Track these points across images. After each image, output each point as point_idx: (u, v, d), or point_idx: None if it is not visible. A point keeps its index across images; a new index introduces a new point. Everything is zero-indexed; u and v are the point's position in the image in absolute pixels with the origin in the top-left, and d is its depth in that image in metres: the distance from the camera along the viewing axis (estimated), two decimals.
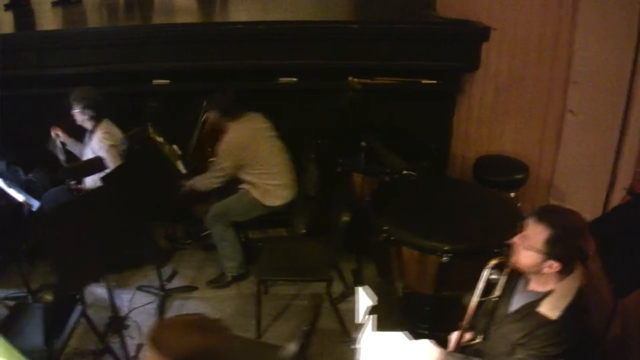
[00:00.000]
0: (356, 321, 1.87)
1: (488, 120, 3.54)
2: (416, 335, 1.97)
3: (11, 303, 3.52)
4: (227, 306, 3.39)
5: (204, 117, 3.33)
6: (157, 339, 1.59)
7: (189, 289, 3.51)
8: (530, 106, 3.45)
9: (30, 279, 3.56)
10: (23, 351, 2.41)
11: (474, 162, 3.45)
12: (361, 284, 3.36)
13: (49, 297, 2.45)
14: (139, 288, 3.51)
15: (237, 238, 3.36)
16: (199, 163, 3.35)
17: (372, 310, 1.78)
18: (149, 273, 3.63)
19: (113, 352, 2.97)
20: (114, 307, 2.84)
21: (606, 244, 2.28)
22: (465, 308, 2.80)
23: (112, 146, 3.39)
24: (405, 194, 3.07)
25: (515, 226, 2.84)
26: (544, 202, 3.55)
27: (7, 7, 4.53)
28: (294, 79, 3.50)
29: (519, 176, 3.36)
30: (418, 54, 3.45)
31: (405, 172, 3.19)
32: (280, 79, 3.50)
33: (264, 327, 3.18)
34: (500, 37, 3.34)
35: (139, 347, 3.10)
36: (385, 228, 2.73)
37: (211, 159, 3.28)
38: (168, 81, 3.56)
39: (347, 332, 3.07)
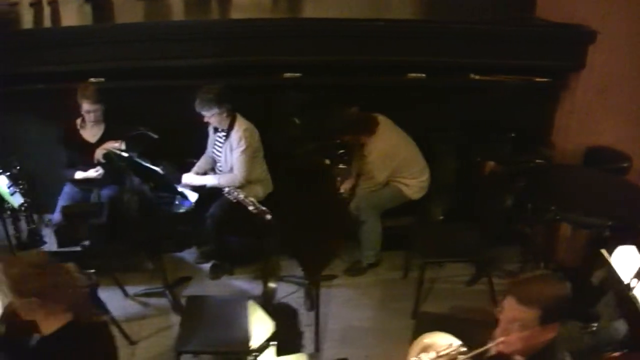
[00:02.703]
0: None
1: (589, 115, 4.08)
2: None
3: (143, 299, 3.63)
4: (373, 292, 3.68)
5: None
6: (522, 294, 1.91)
7: (330, 277, 3.76)
8: (630, 104, 4.02)
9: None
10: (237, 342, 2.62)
11: (585, 151, 3.98)
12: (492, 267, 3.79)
13: (273, 285, 2.64)
14: (281, 278, 3.71)
15: (381, 228, 3.67)
16: None
17: None
18: (283, 263, 3.83)
19: None
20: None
21: None
22: None
23: (249, 147, 3.58)
24: (548, 179, 3.54)
25: None
26: None
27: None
28: (422, 75, 3.86)
29: (625, 164, 3.93)
30: (530, 53, 3.93)
31: (537, 160, 3.67)
32: (409, 74, 3.85)
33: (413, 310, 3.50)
34: (606, 39, 3.89)
35: None
36: (552, 208, 3.17)
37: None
38: (300, 74, 3.80)
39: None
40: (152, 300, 3.61)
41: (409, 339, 3.05)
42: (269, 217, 3.20)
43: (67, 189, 3.77)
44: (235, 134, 3.56)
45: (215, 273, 3.77)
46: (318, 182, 2.89)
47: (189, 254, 4.00)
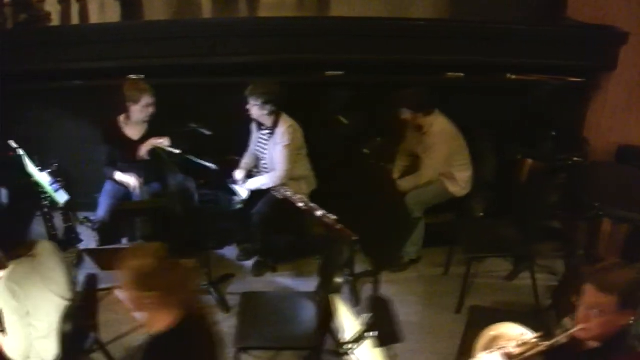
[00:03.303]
0: None
1: (620, 114, 4.28)
2: None
3: None
4: (415, 288, 3.83)
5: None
6: (602, 281, 2.07)
7: (372, 273, 3.88)
8: None
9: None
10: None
11: (617, 150, 4.18)
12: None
13: (339, 280, 2.75)
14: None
15: (424, 225, 3.82)
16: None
17: None
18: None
19: None
20: None
21: None
22: None
23: (292, 144, 3.69)
24: (586, 176, 3.73)
25: None
26: None
27: None
28: (461, 74, 4.03)
29: None
30: (564, 54, 4.13)
31: (575, 158, 3.86)
32: (448, 73, 4.02)
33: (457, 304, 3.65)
34: (637, 40, 4.09)
35: None
36: (596, 204, 3.35)
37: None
38: (342, 72, 3.95)
39: (539, 304, 3.61)
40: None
41: (456, 333, 3.24)
42: (319, 213, 3.35)
43: (109, 186, 3.85)
44: (280, 130, 3.69)
45: (259, 270, 3.89)
46: (372, 179, 3.03)
47: (229, 251, 4.11)
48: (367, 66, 4.01)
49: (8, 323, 2.45)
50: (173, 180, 3.75)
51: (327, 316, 2.82)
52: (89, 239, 4.23)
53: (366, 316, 2.20)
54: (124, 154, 3.77)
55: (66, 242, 4.12)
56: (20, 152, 3.57)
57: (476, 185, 3.88)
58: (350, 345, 2.11)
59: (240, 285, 3.79)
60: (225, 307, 3.61)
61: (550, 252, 3.90)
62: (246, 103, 3.66)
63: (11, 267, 2.52)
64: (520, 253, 3.59)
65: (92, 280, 2.91)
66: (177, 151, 3.44)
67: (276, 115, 3.70)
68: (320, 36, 3.90)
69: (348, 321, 2.34)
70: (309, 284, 3.77)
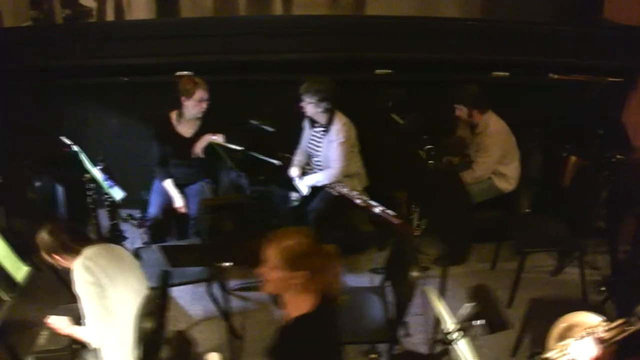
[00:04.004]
0: None
1: None
2: None
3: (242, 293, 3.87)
4: (464, 282, 3.97)
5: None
6: None
7: (423, 269, 4.04)
8: None
9: None
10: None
11: None
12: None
13: (415, 274, 2.89)
14: (373, 270, 3.99)
15: None
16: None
17: None
18: (374, 256, 4.12)
19: None
20: None
21: None
22: None
23: (347, 141, 3.82)
24: (631, 172, 3.95)
25: None
26: None
27: None
28: (506, 74, 4.22)
29: None
30: (603, 54, 4.34)
31: (618, 156, 4.07)
32: (493, 73, 4.21)
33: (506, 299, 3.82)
34: None
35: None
36: None
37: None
38: (390, 71, 4.11)
39: (587, 299, 3.80)
40: (250, 294, 3.84)
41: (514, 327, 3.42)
42: (377, 210, 3.51)
43: (159, 184, 3.94)
44: (335, 128, 3.81)
45: None
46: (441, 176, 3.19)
47: None
48: (416, 65, 4.17)
49: (85, 305, 2.53)
50: (225, 177, 3.88)
51: (403, 309, 2.99)
52: (133, 237, 4.35)
53: (470, 305, 2.35)
54: (176, 151, 3.86)
55: (111, 240, 4.20)
56: (75, 148, 3.63)
57: (523, 182, 4.07)
58: (456, 335, 2.26)
59: None
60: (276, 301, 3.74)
61: (597, 247, 4.09)
62: (300, 100, 3.79)
63: (86, 250, 2.63)
64: (571, 248, 3.78)
65: (166, 276, 3.02)
66: (239, 148, 3.54)
67: (331, 112, 3.82)
68: (369, 35, 4.05)
69: (444, 312, 2.49)
70: (360, 280, 3.94)
